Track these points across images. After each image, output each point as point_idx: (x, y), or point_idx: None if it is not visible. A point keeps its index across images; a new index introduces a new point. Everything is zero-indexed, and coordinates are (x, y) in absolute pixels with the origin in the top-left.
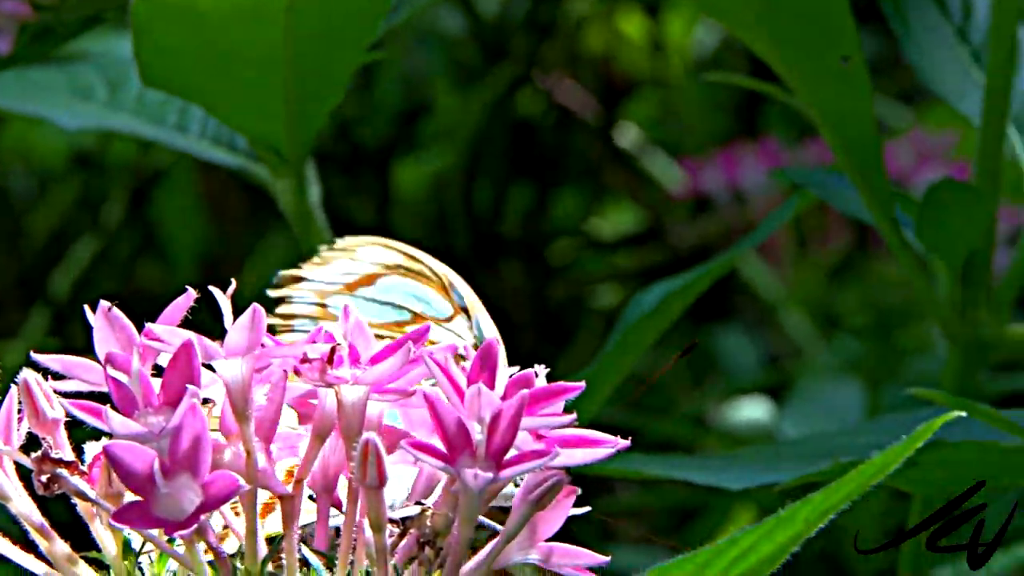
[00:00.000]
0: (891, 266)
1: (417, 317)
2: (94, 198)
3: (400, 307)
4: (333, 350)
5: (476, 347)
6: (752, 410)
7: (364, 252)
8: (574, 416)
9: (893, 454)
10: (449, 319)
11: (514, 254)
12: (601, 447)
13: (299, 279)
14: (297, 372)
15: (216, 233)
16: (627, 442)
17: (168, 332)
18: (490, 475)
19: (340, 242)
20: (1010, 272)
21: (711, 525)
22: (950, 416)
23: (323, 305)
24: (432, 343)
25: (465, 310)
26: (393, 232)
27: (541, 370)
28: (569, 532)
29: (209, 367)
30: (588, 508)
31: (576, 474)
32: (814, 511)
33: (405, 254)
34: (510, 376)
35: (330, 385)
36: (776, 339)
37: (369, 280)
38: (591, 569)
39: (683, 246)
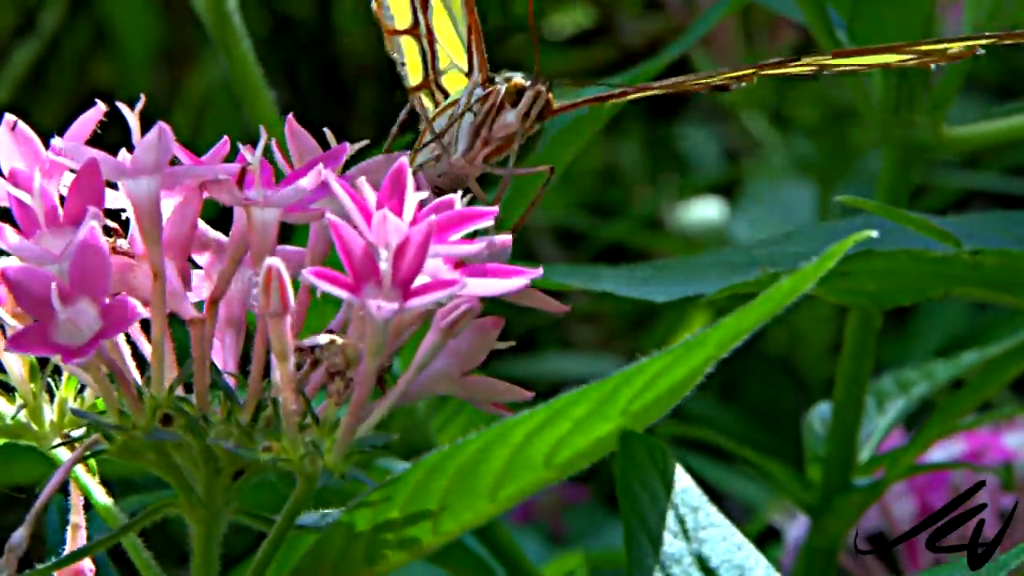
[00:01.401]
0: None
1: None
2: None
3: None
4: (243, 170)
5: None
6: (706, 210)
7: None
8: (485, 243)
9: (805, 274)
10: None
11: None
12: (514, 277)
13: None
14: (207, 189)
15: (168, 30)
16: (538, 271)
17: (73, 148)
18: (395, 305)
19: None
20: (946, 74)
21: (666, 327)
22: (864, 235)
23: None
24: None
25: None
26: (333, 30)
27: (458, 196)
28: (526, 340)
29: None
30: (512, 343)
31: None
32: (726, 334)
33: None
34: (422, 202)
35: (240, 205)
36: (734, 134)
37: None
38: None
39: (634, 44)
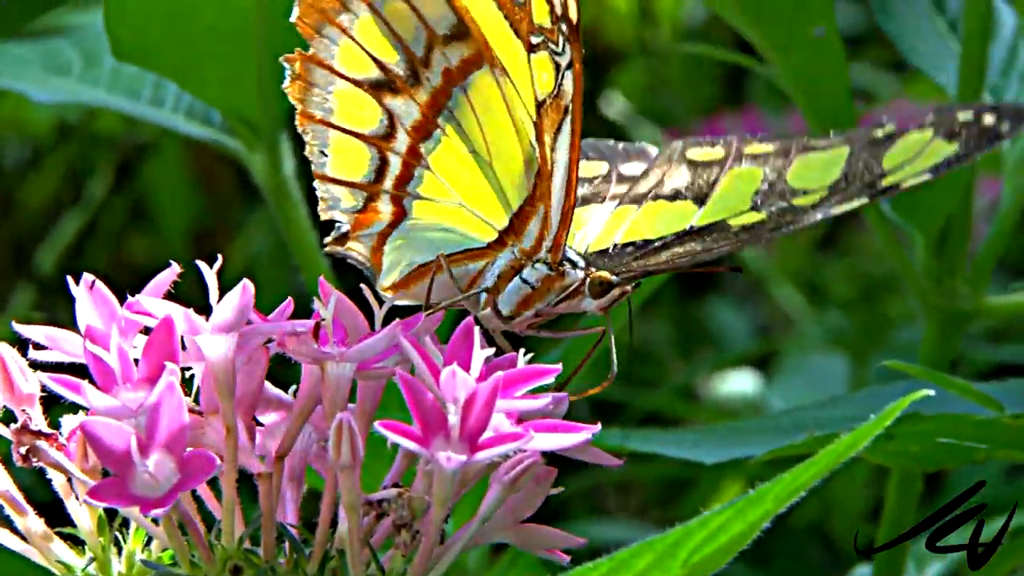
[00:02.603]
0: (875, 237)
1: None
2: (83, 171)
3: None
4: (318, 326)
5: None
6: (740, 382)
7: None
8: (549, 399)
9: (862, 433)
10: None
11: None
12: (577, 432)
13: None
14: (282, 346)
15: (206, 205)
16: (596, 427)
17: (150, 306)
18: (463, 457)
19: None
20: (988, 243)
21: (701, 497)
22: (919, 395)
23: None
24: None
25: None
26: None
27: (520, 354)
28: (560, 507)
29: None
30: (562, 488)
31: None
32: (784, 490)
33: None
34: (487, 358)
35: (317, 361)
36: (765, 311)
37: None
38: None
39: None
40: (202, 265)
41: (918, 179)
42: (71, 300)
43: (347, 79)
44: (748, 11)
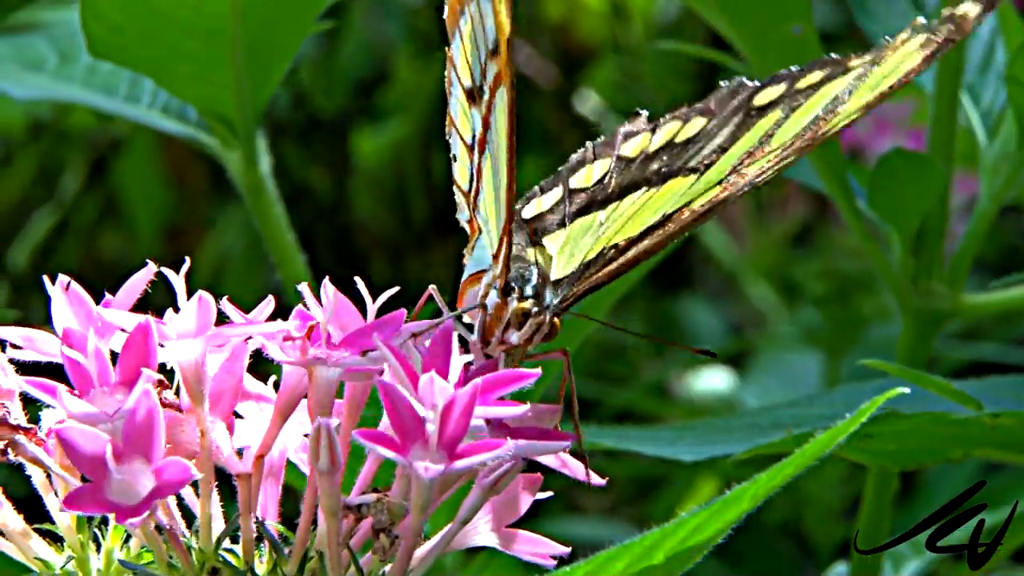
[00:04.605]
0: (850, 235)
1: None
2: (55, 168)
3: None
4: (311, 328)
5: None
6: (713, 379)
7: None
8: (528, 406)
9: (838, 431)
10: None
11: None
12: (556, 440)
13: None
14: (264, 348)
15: (177, 202)
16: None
17: (118, 319)
18: (441, 467)
19: None
20: (965, 242)
21: (675, 494)
22: (895, 392)
23: None
24: None
25: None
26: (350, 202)
27: (501, 359)
28: (533, 505)
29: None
30: (551, 493)
31: None
32: (761, 489)
33: None
34: (467, 364)
35: (306, 365)
36: (738, 308)
37: None
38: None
39: None
40: (168, 272)
41: None
42: (45, 297)
43: (462, 86)
44: (725, 8)
